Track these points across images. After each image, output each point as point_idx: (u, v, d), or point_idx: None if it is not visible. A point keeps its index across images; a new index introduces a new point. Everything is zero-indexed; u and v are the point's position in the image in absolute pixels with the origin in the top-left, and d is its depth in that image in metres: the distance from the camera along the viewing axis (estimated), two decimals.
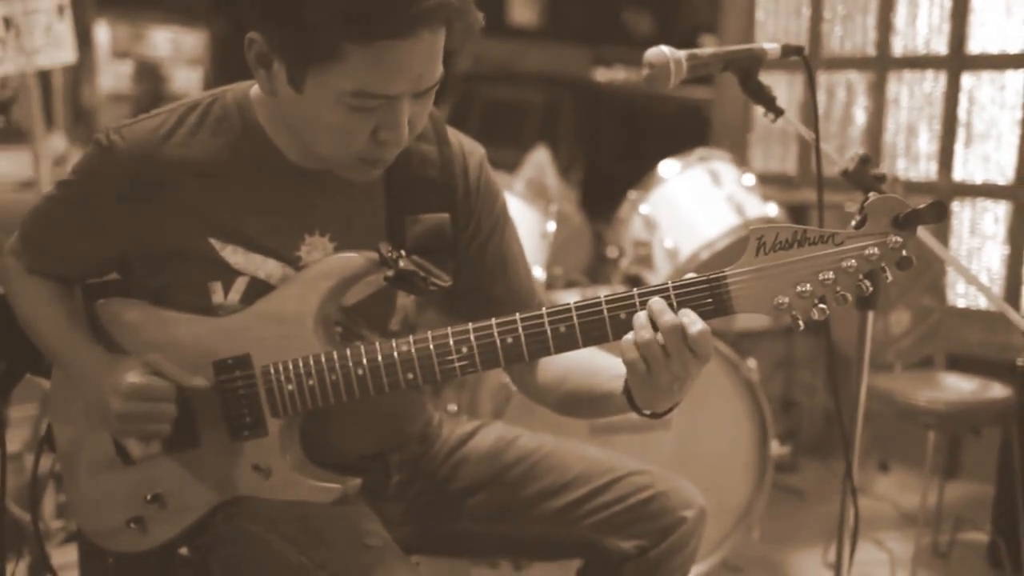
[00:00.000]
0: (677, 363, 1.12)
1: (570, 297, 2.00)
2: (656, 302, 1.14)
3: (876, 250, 1.10)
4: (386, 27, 1.10)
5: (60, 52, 2.72)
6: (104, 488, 1.38)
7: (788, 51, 1.49)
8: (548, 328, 1.19)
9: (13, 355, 1.49)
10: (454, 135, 1.42)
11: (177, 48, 5.84)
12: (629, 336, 1.14)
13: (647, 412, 1.21)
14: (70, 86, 4.75)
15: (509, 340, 1.20)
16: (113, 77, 5.60)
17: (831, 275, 1.11)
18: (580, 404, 1.36)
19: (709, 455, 2.45)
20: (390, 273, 1.28)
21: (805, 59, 1.49)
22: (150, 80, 5.69)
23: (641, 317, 1.14)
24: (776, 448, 2.54)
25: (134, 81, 5.66)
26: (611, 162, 5.33)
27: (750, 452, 2.50)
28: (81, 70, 5.16)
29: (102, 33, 5.57)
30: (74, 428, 1.41)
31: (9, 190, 3.82)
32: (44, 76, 3.21)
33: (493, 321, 1.21)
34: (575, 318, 1.18)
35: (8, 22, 2.58)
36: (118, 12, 5.66)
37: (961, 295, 3.78)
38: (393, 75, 1.14)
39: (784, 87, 4.19)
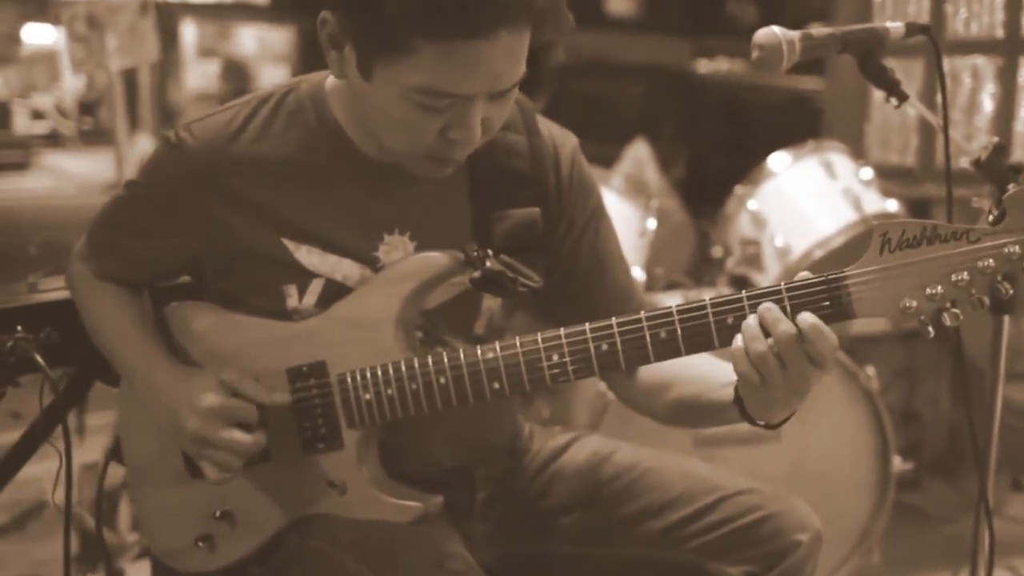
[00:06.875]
0: (795, 375, 1.07)
1: (671, 300, 1.94)
2: (770, 309, 1.08)
3: (1017, 248, 1.03)
4: (462, 26, 1.07)
5: (143, 51, 2.77)
6: (172, 503, 1.37)
7: (912, 30, 1.42)
8: (647, 334, 1.14)
9: (82, 361, 1.48)
10: (544, 124, 1.38)
11: (263, 46, 5.95)
12: (740, 345, 1.08)
13: (761, 423, 1.17)
14: (156, 86, 4.86)
15: (604, 347, 1.16)
16: (200, 76, 5.74)
17: (965, 276, 1.04)
18: (687, 413, 1.33)
19: (824, 472, 2.36)
20: (476, 274, 1.24)
21: (932, 38, 1.42)
22: (237, 78, 5.80)
23: (752, 325, 1.08)
24: (898, 464, 2.42)
25: (221, 80, 5.79)
26: (715, 156, 5.24)
27: (869, 468, 2.40)
28: (167, 69, 5.29)
29: (188, 32, 5.71)
30: (141, 440, 1.40)
31: (96, 192, 3.93)
32: (130, 76, 3.28)
33: (587, 326, 1.16)
34: (677, 323, 1.13)
35: (92, 21, 2.64)
36: (204, 10, 5.81)
37: None
38: (467, 75, 1.11)
39: (901, 76, 3.99)
